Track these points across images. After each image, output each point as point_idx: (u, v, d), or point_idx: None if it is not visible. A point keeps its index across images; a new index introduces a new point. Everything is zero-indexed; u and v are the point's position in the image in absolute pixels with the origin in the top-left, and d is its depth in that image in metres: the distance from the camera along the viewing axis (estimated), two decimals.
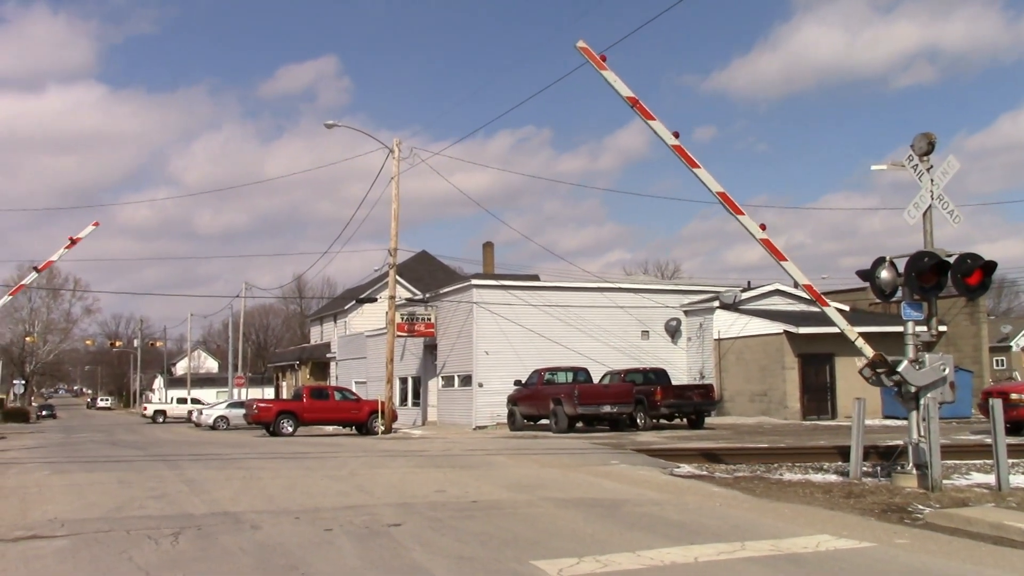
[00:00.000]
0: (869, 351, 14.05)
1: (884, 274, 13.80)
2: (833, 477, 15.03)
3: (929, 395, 13.24)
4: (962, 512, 10.54)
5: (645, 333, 40.41)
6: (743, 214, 15.25)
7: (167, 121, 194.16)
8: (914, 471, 13.41)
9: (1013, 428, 23.85)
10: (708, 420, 32.89)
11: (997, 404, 13.04)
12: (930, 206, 13.88)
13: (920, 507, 11.45)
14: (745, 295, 40.25)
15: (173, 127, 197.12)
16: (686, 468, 16.06)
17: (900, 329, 38.48)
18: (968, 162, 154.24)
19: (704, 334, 39.65)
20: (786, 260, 15.67)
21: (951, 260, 13.45)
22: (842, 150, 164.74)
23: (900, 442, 19.95)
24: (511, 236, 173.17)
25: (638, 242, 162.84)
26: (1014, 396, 23.04)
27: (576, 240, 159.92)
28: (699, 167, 15.63)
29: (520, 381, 34.01)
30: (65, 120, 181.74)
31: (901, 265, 13.96)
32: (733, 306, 38.86)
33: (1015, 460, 17.00)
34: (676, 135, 15.33)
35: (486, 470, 16.11)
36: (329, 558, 8.72)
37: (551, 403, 31.07)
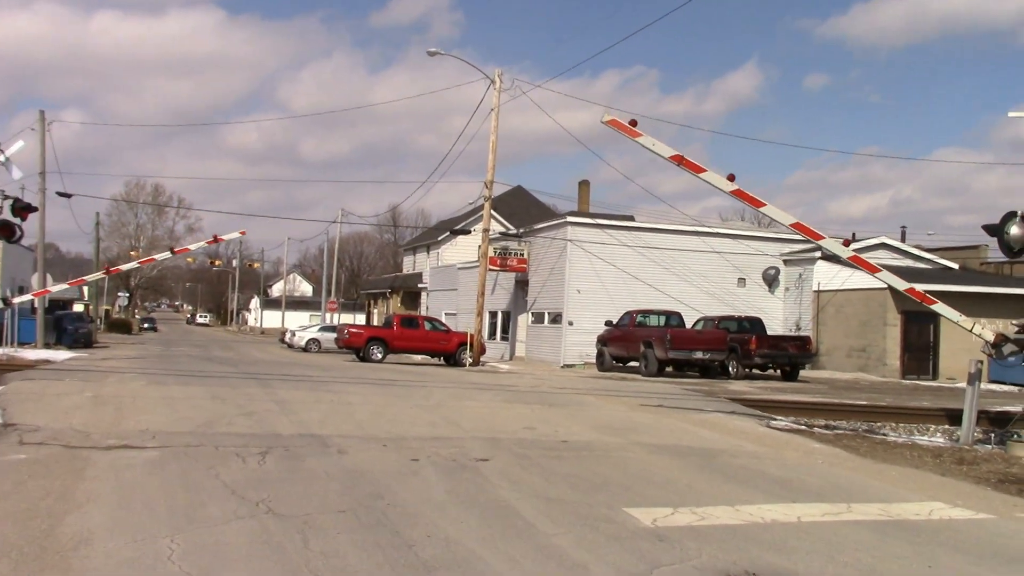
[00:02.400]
0: (989, 335, 13.18)
1: (1014, 230, 12.88)
2: (941, 441, 14.31)
3: None
4: None
5: (741, 281, 39.41)
6: (705, 170, 14.10)
7: (280, 48, 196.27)
8: None
9: None
10: (802, 373, 31.99)
11: None
12: None
13: None
14: (850, 247, 38.77)
15: (286, 54, 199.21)
16: (783, 421, 15.48)
17: (1009, 290, 36.86)
18: None
19: (803, 285, 38.46)
20: (764, 205, 14.65)
21: None
22: (960, 104, 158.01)
23: (1012, 408, 19.02)
24: (609, 177, 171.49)
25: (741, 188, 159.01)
26: None
27: (675, 184, 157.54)
28: (765, 204, 14.76)
29: (611, 322, 33.53)
30: (183, 44, 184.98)
31: None
32: (835, 257, 37.49)
33: None
34: (731, 178, 14.38)
35: (576, 409, 15.79)
36: (415, 489, 8.51)
37: (642, 346, 30.57)
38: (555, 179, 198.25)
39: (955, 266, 39.49)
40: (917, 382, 32.71)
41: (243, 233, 31.97)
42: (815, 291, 37.65)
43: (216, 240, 35.76)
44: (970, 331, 13.48)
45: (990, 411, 18.37)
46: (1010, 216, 12.99)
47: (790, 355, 30.78)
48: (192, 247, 41.55)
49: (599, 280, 37.63)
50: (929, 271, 38.01)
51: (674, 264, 38.18)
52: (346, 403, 15.38)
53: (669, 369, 30.82)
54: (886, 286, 34.31)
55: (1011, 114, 14.20)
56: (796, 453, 11.90)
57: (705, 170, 14.18)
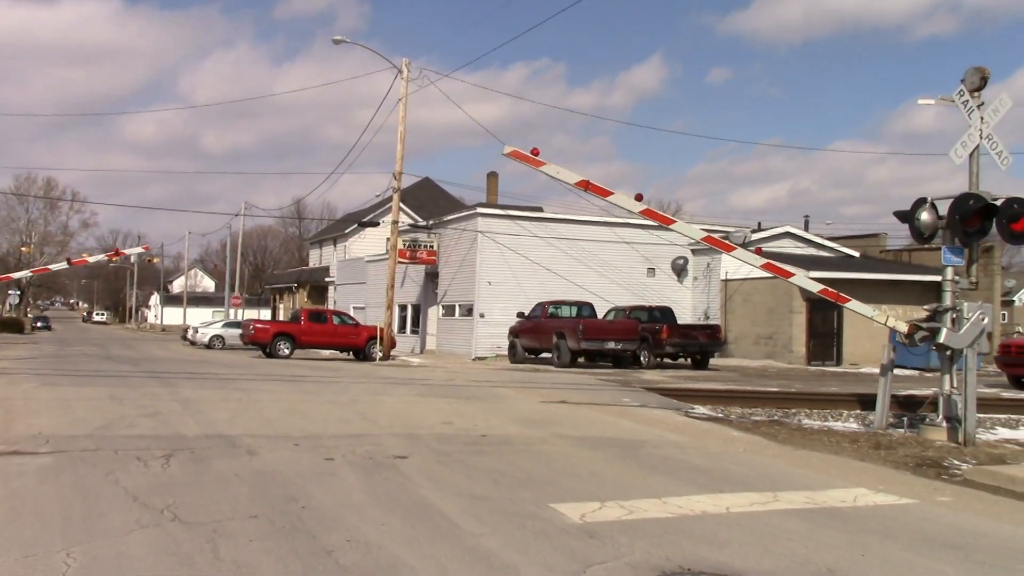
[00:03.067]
0: (903, 327, 13.31)
1: (925, 216, 12.99)
2: (855, 426, 14.43)
3: (967, 347, 12.53)
4: (1004, 470, 9.92)
5: (651, 271, 39.67)
6: (612, 193, 14.11)
7: (179, 39, 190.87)
8: (944, 424, 12.78)
9: (1017, 382, 23.29)
10: (712, 361, 32.32)
11: None
12: (978, 146, 13.01)
13: (956, 462, 10.83)
14: (755, 236, 39.43)
15: (185, 45, 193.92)
16: (702, 409, 15.45)
17: (912, 277, 37.92)
18: None
19: (711, 274, 38.90)
20: (674, 222, 14.91)
21: (997, 204, 12.63)
22: (855, 99, 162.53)
23: (919, 392, 19.38)
24: (516, 169, 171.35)
25: (644, 181, 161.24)
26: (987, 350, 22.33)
27: (583, 176, 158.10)
28: (675, 221, 15.70)
29: (523, 313, 33.36)
30: (77, 32, 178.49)
31: (942, 208, 13.14)
32: (742, 247, 37.99)
33: None
34: (639, 198, 14.32)
35: (493, 402, 15.49)
36: (331, 490, 8.10)
37: (554, 337, 30.46)
38: (463, 171, 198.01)
39: (856, 254, 40.44)
40: (823, 368, 33.36)
41: (147, 249, 30.78)
42: (723, 280, 38.12)
43: (117, 254, 34.58)
44: (884, 324, 13.57)
45: (898, 395, 18.64)
46: (920, 202, 13.11)
47: (700, 344, 31.05)
48: (90, 259, 39.75)
49: (510, 271, 37.43)
50: (832, 259, 38.84)
51: (585, 255, 38.20)
52: (255, 401, 14.81)
53: (581, 360, 30.78)
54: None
55: (920, 101, 14.28)
56: (717, 442, 11.82)
57: (612, 192, 14.13)
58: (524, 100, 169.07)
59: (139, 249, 31.08)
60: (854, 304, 14.26)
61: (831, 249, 40.59)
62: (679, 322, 33.29)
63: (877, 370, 31.53)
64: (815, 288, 14.44)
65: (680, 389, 18.70)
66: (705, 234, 14.85)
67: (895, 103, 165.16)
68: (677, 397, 17.01)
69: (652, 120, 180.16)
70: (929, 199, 13.16)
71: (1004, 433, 14.14)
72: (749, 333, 36.80)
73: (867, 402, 16.96)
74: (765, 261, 14.49)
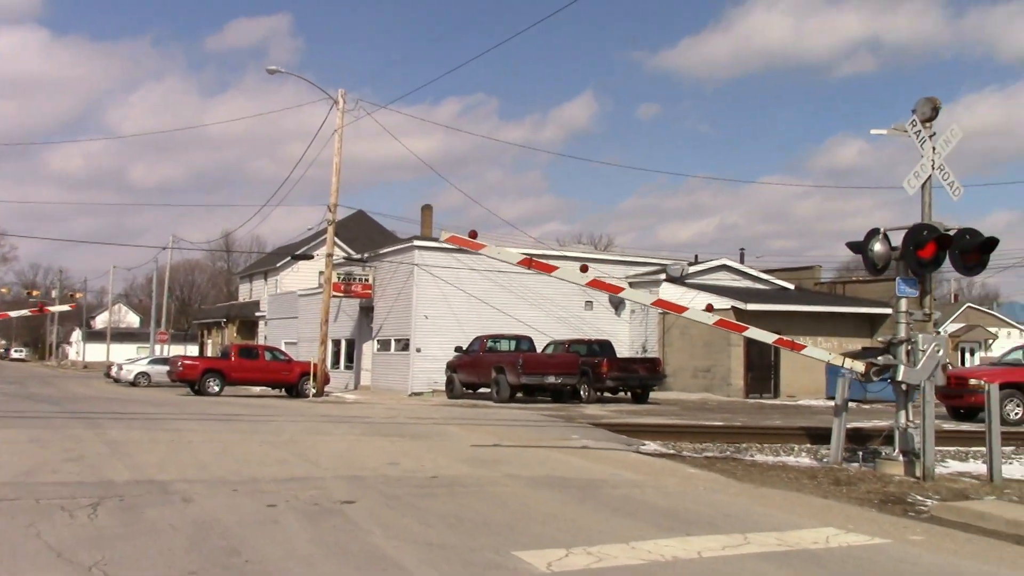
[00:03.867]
0: (860, 367, 13.12)
1: (878, 247, 12.87)
2: (807, 461, 14.18)
3: (925, 379, 12.37)
4: (971, 506, 9.69)
5: (589, 304, 39.45)
6: (556, 268, 14.09)
7: (109, 70, 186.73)
8: (900, 458, 12.60)
9: (969, 413, 23.44)
10: (651, 395, 32.09)
11: (994, 389, 12.26)
12: (930, 176, 12.95)
13: (919, 498, 10.59)
14: (692, 269, 39.53)
15: (114, 76, 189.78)
16: (652, 445, 15.08)
17: (847, 309, 38.24)
18: (902, 152, 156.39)
19: (648, 307, 38.79)
20: (623, 289, 14.74)
21: (951, 234, 12.56)
22: (782, 135, 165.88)
23: (863, 425, 19.31)
24: (448, 203, 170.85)
25: (575, 215, 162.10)
26: (972, 382, 22.53)
27: (515, 210, 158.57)
28: (623, 288, 15.85)
29: (461, 348, 32.83)
30: (5, 63, 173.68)
31: (895, 239, 13.04)
32: (680, 280, 38.08)
33: (979, 448, 16.39)
34: (584, 269, 14.25)
35: (439, 441, 14.93)
36: (276, 540, 7.50)
37: (493, 371, 29.98)
38: (395, 206, 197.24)
39: (791, 286, 40.76)
40: (760, 401, 33.38)
41: (73, 307, 29.58)
42: (661, 313, 38.02)
43: (42, 310, 32.78)
44: (841, 367, 13.34)
45: (830, 428, 18.51)
46: (873, 233, 12.99)
47: (641, 377, 30.82)
48: (12, 314, 37.99)
49: (447, 305, 36.90)
50: (769, 292, 39.09)
51: (522, 288, 37.84)
52: (186, 442, 14.04)
53: (519, 395, 30.31)
54: (729, 307, 35.14)
55: (873, 132, 14.19)
56: (675, 480, 11.43)
57: (557, 267, 14.14)
58: (458, 134, 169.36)
59: (65, 307, 29.63)
60: (810, 350, 14.10)
61: (766, 281, 40.88)
62: (618, 356, 33.05)
63: (814, 402, 31.78)
64: (770, 339, 14.19)
65: (627, 424, 18.34)
66: (656, 298, 14.56)
67: (820, 139, 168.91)
68: (625, 433, 16.63)
69: (584, 154, 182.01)
70: (882, 230, 13.06)
71: (956, 466, 14.02)
72: (687, 366, 36.73)
73: (816, 436, 16.79)
74: (718, 319, 14.23)
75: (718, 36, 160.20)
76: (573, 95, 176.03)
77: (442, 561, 6.96)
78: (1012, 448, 16.16)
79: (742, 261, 44.18)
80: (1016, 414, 22.34)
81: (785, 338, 14.52)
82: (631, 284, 39.75)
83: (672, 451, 14.57)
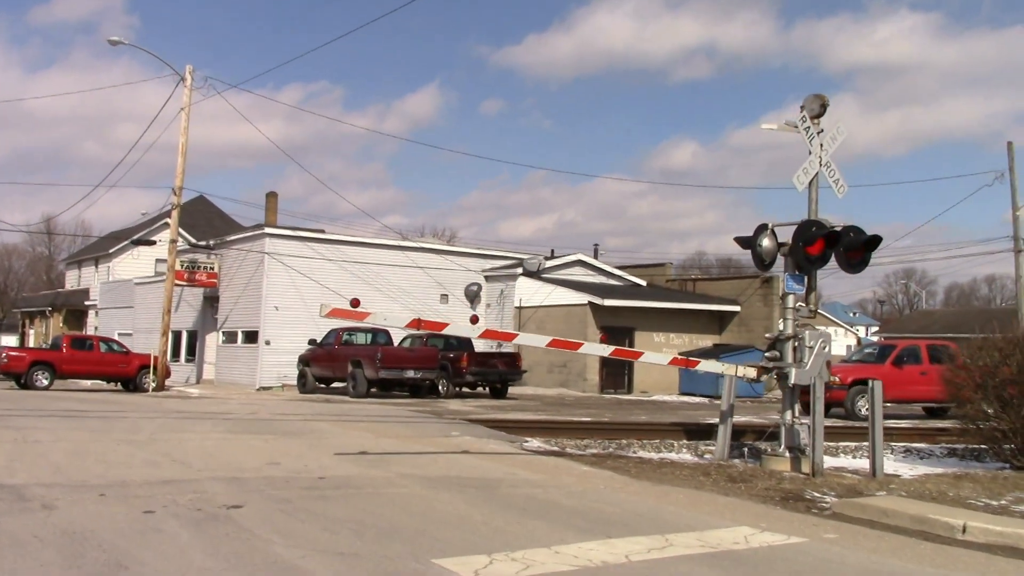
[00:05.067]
0: (752, 372, 13.13)
1: (766, 242, 12.86)
2: (690, 457, 14.13)
3: (816, 376, 12.45)
4: (871, 503, 9.71)
5: (444, 297, 38.94)
6: (447, 324, 14.47)
7: None
8: (787, 454, 12.66)
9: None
10: (509, 390, 31.89)
11: (878, 386, 12.45)
12: (818, 173, 13.06)
13: (816, 495, 10.59)
14: (548, 263, 39.60)
15: None
16: (535, 442, 14.72)
17: (699, 306, 39.04)
18: (731, 156, 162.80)
19: (505, 301, 38.66)
20: (516, 335, 14.49)
21: (838, 231, 12.70)
22: (621, 135, 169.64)
23: (717, 421, 19.54)
24: (291, 192, 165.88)
25: (418, 208, 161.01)
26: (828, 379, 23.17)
27: (357, 202, 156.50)
28: (517, 335, 15.55)
29: (315, 340, 31.73)
30: None
31: (782, 235, 13.09)
32: (536, 274, 38.06)
33: (846, 443, 16.85)
34: (475, 320, 14.37)
35: (315, 438, 14.11)
36: (165, 552, 6.71)
37: (349, 365, 29.07)
38: (233, 193, 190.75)
39: (643, 283, 41.41)
40: (616, 396, 33.68)
41: None
42: (517, 307, 37.94)
43: None
44: (734, 375, 13.32)
45: (701, 423, 18.68)
46: (762, 229, 13.00)
47: (500, 372, 30.55)
48: None
49: (299, 296, 35.62)
50: (622, 288, 39.57)
51: (378, 279, 37.00)
52: (33, 441, 12.74)
53: (373, 390, 29.48)
54: (586, 302, 35.35)
55: (764, 126, 14.25)
56: (572, 478, 11.07)
57: (447, 324, 14.37)
58: (297, 122, 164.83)
59: None
60: (704, 364, 14.04)
61: (619, 277, 41.38)
62: (477, 350, 32.69)
63: (668, 397, 32.27)
64: (664, 360, 14.11)
65: (503, 421, 17.95)
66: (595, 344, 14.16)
67: (656, 140, 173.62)
68: (504, 429, 16.23)
69: (427, 149, 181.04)
70: (770, 226, 13.07)
71: (830, 461, 14.23)
72: (543, 361, 36.71)
73: (692, 432, 16.86)
74: (614, 348, 14.00)
75: (562, 35, 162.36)
76: (418, 87, 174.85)
77: (360, 572, 6.35)
78: (855, 444, 16.53)
79: (596, 257, 44.62)
80: (866, 409, 23.09)
81: (691, 359, 14.36)
82: (487, 278, 39.56)
83: (556, 448, 14.26)
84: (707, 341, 37.14)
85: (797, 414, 12.81)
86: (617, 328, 35.58)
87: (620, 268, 42.66)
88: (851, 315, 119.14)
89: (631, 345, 35.89)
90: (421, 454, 12.45)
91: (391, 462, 11.61)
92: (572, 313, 35.82)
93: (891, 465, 14.42)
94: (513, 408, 24.08)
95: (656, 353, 19.89)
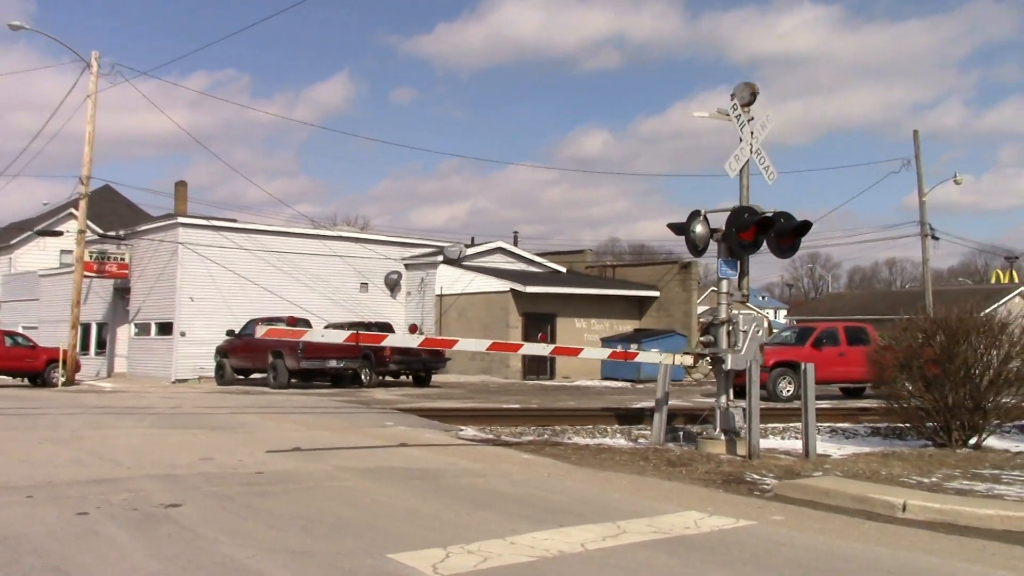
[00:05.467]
0: (689, 360, 13.24)
1: (699, 228, 12.96)
2: (624, 442, 14.20)
3: (752, 359, 12.59)
4: (811, 483, 9.85)
5: (364, 285, 38.49)
6: (385, 336, 14.17)
7: None
8: (722, 437, 12.79)
9: (742, 391, 24.56)
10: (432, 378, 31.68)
11: (810, 368, 12.65)
12: (748, 160, 13.19)
13: (756, 477, 10.72)
14: (469, 251, 39.44)
15: None
16: (470, 431, 14.61)
17: (618, 292, 39.37)
18: (641, 145, 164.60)
19: (425, 289, 38.38)
20: (457, 341, 14.58)
21: (770, 217, 12.84)
22: (532, 124, 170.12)
23: (647, 404, 19.70)
24: (196, 182, 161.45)
25: (328, 197, 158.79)
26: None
27: (268, 190, 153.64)
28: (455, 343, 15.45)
29: (233, 331, 31.04)
30: None
31: (714, 221, 13.19)
32: (457, 262, 37.88)
33: (774, 424, 17.12)
34: (413, 329, 14.41)
35: (246, 432, 13.75)
36: (106, 556, 6.43)
37: (270, 356, 28.52)
38: (137, 183, 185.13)
39: (563, 269, 41.56)
40: (539, 382, 33.74)
41: None
42: (437, 295, 37.72)
43: None
44: (671, 363, 13.40)
45: (631, 408, 18.82)
46: (695, 215, 13.08)
47: (424, 361, 30.30)
48: None
49: (215, 287, 34.84)
50: (542, 274, 39.63)
51: (295, 269, 36.39)
52: None
53: (294, 381, 28.99)
54: (508, 289, 35.31)
55: (695, 114, 14.32)
56: (515, 467, 10.99)
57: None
58: (203, 110, 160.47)
59: None
60: (645, 355, 14.09)
61: (540, 264, 41.45)
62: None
63: (590, 383, 32.46)
64: (604, 354, 14.08)
65: (435, 409, 17.79)
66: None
67: (567, 129, 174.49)
68: (436, 418, 16.08)
69: (339, 136, 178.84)
70: (703, 212, 13.16)
71: (762, 443, 14.41)
72: (464, 349, 36.56)
73: (623, 417, 16.95)
74: (554, 347, 13.92)
75: (473, 25, 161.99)
76: (327, 76, 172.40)
77: (316, 570, 6.17)
78: (782, 425, 16.80)
79: (515, 244, 44.62)
80: (788, 391, 23.61)
81: (567, 346, 14.44)
82: (407, 266, 39.25)
83: (492, 436, 14.18)
84: (627, 326, 37.47)
85: (731, 397, 12.94)
86: (539, 315, 35.68)
87: (539, 255, 42.71)
88: (761, 299, 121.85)
89: (553, 331, 36.03)
90: (359, 447, 12.22)
91: (329, 455, 11.38)
92: (494, 301, 35.76)
93: (819, 445, 14.68)
94: (440, 396, 23.93)
95: (595, 348, 20.00)
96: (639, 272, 40.92)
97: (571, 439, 14.20)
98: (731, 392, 13.02)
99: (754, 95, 13.15)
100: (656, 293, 38.27)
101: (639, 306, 38.69)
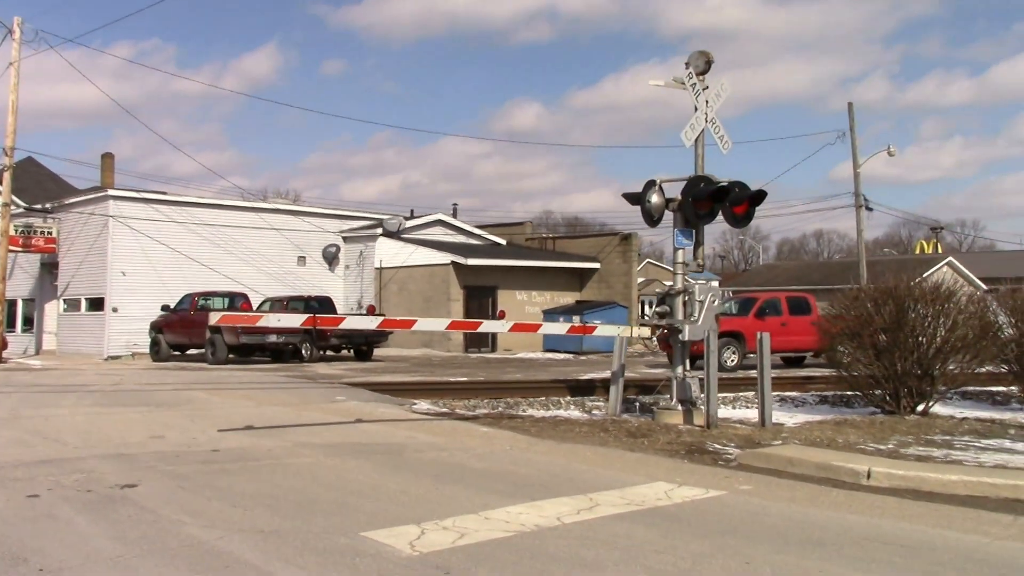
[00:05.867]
0: (647, 332, 13.22)
1: (655, 198, 12.86)
2: (579, 413, 14.16)
3: (709, 330, 12.58)
4: (774, 452, 9.88)
5: (302, 259, 37.86)
6: (343, 319, 13.85)
7: None
8: (679, 407, 12.79)
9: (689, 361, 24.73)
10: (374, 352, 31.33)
11: (766, 338, 12.69)
12: (704, 129, 13.12)
13: (718, 447, 10.72)
14: (409, 223, 39.01)
15: None
16: (424, 404, 14.40)
17: (559, 264, 39.31)
18: (573, 118, 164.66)
19: (364, 262, 37.89)
20: (416, 321, 14.77)
21: (725, 186, 12.79)
22: (464, 97, 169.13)
23: (595, 375, 19.73)
24: (120, 154, 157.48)
25: (257, 170, 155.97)
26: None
27: (194, 164, 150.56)
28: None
29: (168, 306, 30.31)
30: None
31: (669, 191, 13.11)
32: (397, 234, 37.45)
33: (724, 394, 17.20)
34: (371, 310, 14.05)
35: (193, 409, 13.36)
36: (64, 540, 6.16)
37: (207, 331, 27.87)
38: (60, 155, 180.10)
39: (503, 242, 41.36)
40: (482, 355, 33.61)
41: None
42: (377, 268, 37.27)
43: None
44: (630, 336, 13.34)
45: (580, 380, 18.80)
46: (650, 185, 12.98)
47: (366, 334, 29.93)
48: None
49: (147, 261, 33.94)
50: (483, 247, 39.41)
51: (231, 242, 35.64)
52: None
53: (232, 356, 28.39)
54: (449, 262, 35.05)
55: (651, 83, 14.16)
56: (476, 440, 10.84)
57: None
58: (127, 81, 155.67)
59: None
60: (603, 329, 14.08)
61: (480, 237, 41.20)
62: (341, 312, 31.97)
63: (532, 355, 32.42)
64: (562, 329, 13.93)
65: (384, 384, 17.53)
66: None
67: (500, 102, 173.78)
68: (387, 392, 15.83)
69: (268, 107, 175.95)
70: (658, 181, 13.06)
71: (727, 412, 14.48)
72: None
73: (574, 388, 16.91)
74: (513, 324, 13.74)
75: None
76: (255, 47, 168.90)
77: (289, 551, 5.95)
78: (732, 395, 16.92)
79: (455, 216, 44.29)
80: (732, 361, 23.81)
81: (526, 323, 14.36)
82: (345, 239, 38.72)
83: (447, 410, 14.00)
84: (568, 298, 37.51)
85: (688, 368, 12.93)
86: (480, 288, 35.51)
87: (479, 227, 42.45)
88: None
89: (494, 304, 35.91)
90: (315, 424, 11.91)
91: (285, 431, 11.10)
92: (435, 273, 35.48)
93: (773, 414, 14.85)
94: (384, 370, 23.66)
95: (557, 324, 19.73)
96: (579, 244, 40.94)
97: (526, 412, 14.10)
98: (687, 362, 13.00)
99: (709, 63, 13.07)
100: (597, 265, 38.32)
101: (580, 278, 38.73)
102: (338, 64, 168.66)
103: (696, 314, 12.64)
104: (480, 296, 35.41)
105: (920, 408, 14.07)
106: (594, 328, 13.79)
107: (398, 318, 14.40)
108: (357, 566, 5.69)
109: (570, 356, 31.37)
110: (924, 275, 48.93)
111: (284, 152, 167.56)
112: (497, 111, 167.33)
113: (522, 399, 15.44)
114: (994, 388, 16.87)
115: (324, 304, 31.52)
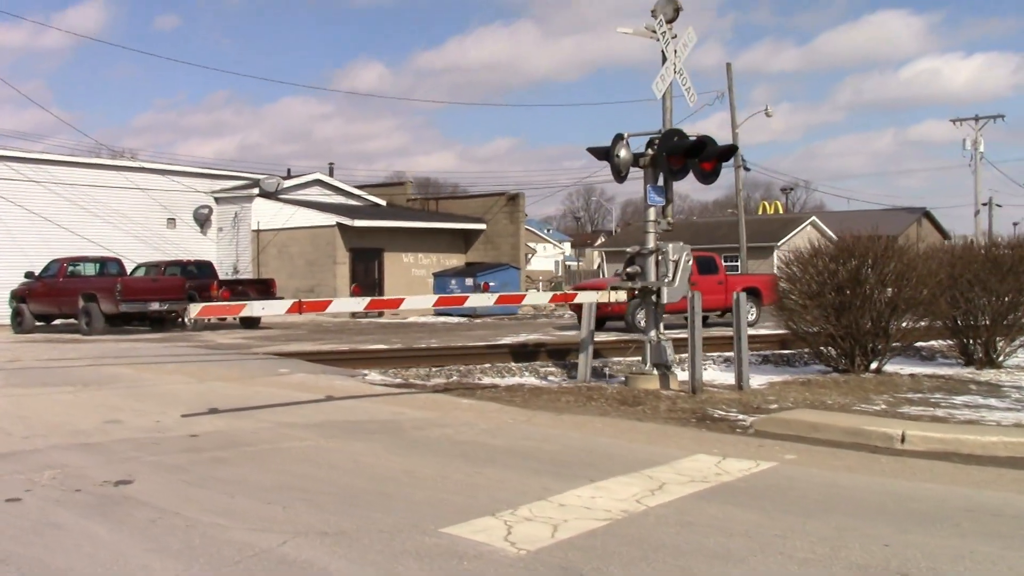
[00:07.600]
0: (623, 295, 12.70)
1: (623, 153, 12.24)
2: (535, 380, 13.57)
3: (692, 293, 12.09)
4: (795, 417, 9.47)
5: (171, 221, 35.59)
6: (330, 302, 13.03)
7: None
8: (654, 371, 12.29)
9: (599, 323, 24.40)
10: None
11: (742, 297, 12.32)
12: (672, 81, 12.56)
13: (721, 413, 10.27)
14: (286, 183, 37.20)
15: None
16: (375, 375, 13.41)
17: (442, 225, 38.40)
18: (416, 79, 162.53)
19: (239, 224, 35.94)
20: (404, 300, 13.80)
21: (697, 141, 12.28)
22: (305, 56, 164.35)
23: (512, 340, 19.13)
24: None
25: (86, 128, 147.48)
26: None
27: (15, 122, 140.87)
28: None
29: (33, 273, 27.84)
30: None
31: (634, 145, 12.52)
32: (274, 195, 35.65)
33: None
34: (357, 291, 12.45)
35: (129, 387, 11.95)
36: (96, 557, 5.21)
37: (81, 299, 25.75)
38: None
39: (383, 203, 40.06)
40: (372, 320, 32.45)
41: None
42: (254, 230, 35.44)
43: None
44: (608, 301, 12.76)
45: (513, 344, 18.09)
46: (618, 139, 12.33)
47: (255, 300, 28.32)
48: None
49: (3, 225, 31.19)
50: (363, 208, 38.03)
51: (94, 204, 33.12)
52: None
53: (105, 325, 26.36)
54: (334, 223, 33.67)
55: (619, 30, 13.42)
56: (469, 414, 10.01)
57: (331, 301, 14.32)
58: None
59: None
60: (582, 296, 13.33)
61: (359, 197, 39.75)
62: (221, 277, 30.21)
63: (424, 319, 31.56)
64: (544, 298, 13.16)
65: (311, 353, 16.36)
66: None
67: (342, 62, 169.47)
68: (328, 363, 14.73)
69: (96, 63, 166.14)
70: (626, 136, 12.45)
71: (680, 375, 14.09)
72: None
73: (517, 354, 16.24)
74: (440, 296, 12.85)
75: None
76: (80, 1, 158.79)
77: (378, 557, 5.12)
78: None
79: (331, 175, 42.58)
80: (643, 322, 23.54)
81: (450, 295, 13.74)
82: (218, 199, 36.73)
83: (400, 380, 13.09)
84: (454, 260, 36.70)
85: (662, 331, 12.43)
86: (366, 250, 34.29)
87: (359, 187, 40.99)
88: (546, 231, 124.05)
89: (380, 267, 34.84)
90: (286, 403, 10.71)
91: (256, 411, 9.97)
92: (319, 235, 33.99)
93: (719, 375, 14.60)
94: (284, 339, 22.36)
95: (480, 294, 18.79)
96: (464, 204, 40.04)
97: (482, 380, 13.36)
98: (662, 325, 12.50)
99: (677, 11, 12.48)
100: (483, 226, 37.57)
101: (465, 239, 37.92)
102: (172, 20, 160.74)
103: (671, 275, 12.13)
104: (367, 259, 34.20)
105: (874, 366, 14.07)
106: (575, 296, 13.13)
107: (384, 298, 13.35)
108: (470, 571, 4.91)
109: (464, 320, 30.63)
110: (790, 234, 50.44)
111: (115, 110, 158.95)
112: (339, 71, 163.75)
113: (471, 366, 14.64)
114: (920, 344, 17.12)
115: (204, 269, 29.74)
